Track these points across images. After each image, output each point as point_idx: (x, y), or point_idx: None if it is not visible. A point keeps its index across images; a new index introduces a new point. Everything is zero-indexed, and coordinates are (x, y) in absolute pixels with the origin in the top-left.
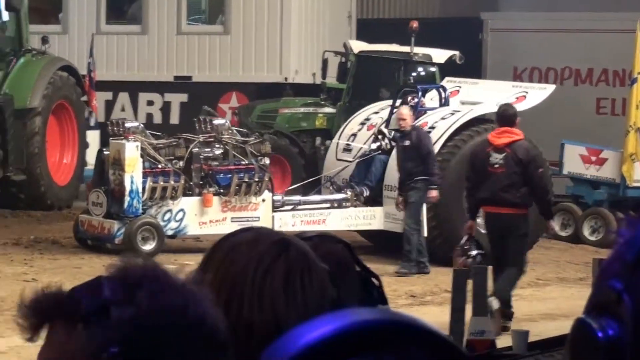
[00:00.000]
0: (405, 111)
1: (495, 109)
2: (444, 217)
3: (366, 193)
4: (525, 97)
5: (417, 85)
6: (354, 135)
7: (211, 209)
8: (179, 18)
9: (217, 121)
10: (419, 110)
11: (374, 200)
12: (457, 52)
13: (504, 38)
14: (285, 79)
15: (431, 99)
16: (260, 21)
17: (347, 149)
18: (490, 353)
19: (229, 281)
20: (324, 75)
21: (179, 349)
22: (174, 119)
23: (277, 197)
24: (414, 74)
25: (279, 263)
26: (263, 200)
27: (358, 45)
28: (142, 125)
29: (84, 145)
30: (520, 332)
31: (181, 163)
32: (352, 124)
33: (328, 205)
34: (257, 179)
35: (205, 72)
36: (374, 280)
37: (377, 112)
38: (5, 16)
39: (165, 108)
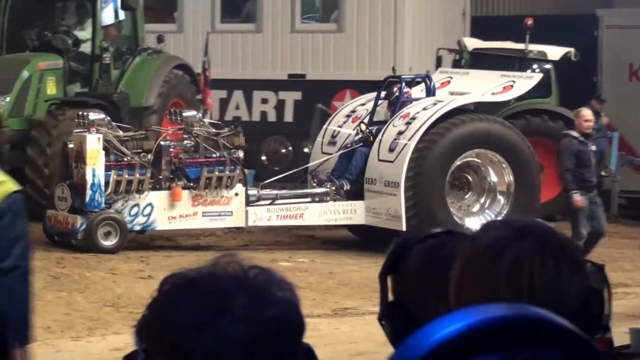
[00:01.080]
0: (587, 112)
1: (480, 99)
2: (427, 213)
3: (347, 187)
4: (512, 86)
5: (400, 76)
6: (340, 127)
7: (181, 203)
8: (293, 16)
9: (187, 113)
10: (402, 101)
11: (357, 194)
12: (572, 49)
13: (620, 35)
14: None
15: (421, 90)
16: (374, 19)
17: (332, 142)
18: (609, 352)
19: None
20: None
21: None
22: (288, 116)
23: (253, 192)
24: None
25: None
26: (236, 194)
27: (472, 43)
28: (107, 117)
29: None
30: (638, 329)
31: (150, 156)
32: (339, 117)
33: (307, 199)
34: (228, 173)
35: (319, 70)
36: None
37: (363, 104)
38: (122, 15)
39: (280, 106)
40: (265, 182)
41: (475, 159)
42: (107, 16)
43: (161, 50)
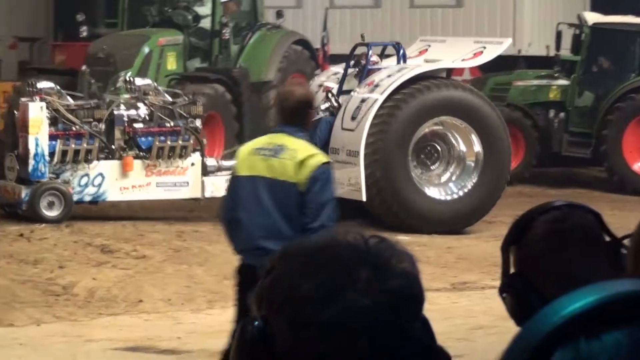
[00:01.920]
0: None
1: (446, 65)
2: (386, 181)
3: None
4: (482, 52)
5: (368, 43)
6: None
7: (133, 174)
8: None
9: (141, 81)
10: (369, 69)
11: None
12: None
13: None
14: (519, 51)
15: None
16: None
17: None
18: None
19: None
20: (557, 48)
21: None
22: None
23: (212, 162)
24: None
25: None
26: (192, 164)
27: (593, 17)
28: (57, 86)
29: None
30: None
31: (102, 125)
32: (312, 87)
33: None
34: (182, 142)
35: None
36: (622, 250)
37: (335, 73)
38: None
39: None
40: (226, 151)
41: (441, 127)
42: None
43: (280, 26)
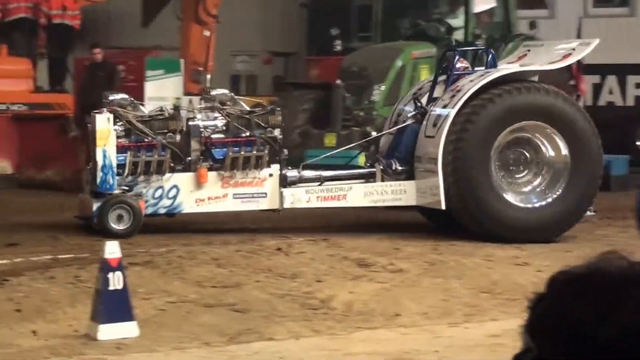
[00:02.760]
0: None
1: (529, 69)
2: (466, 189)
3: (395, 166)
4: (570, 54)
5: (456, 48)
6: (405, 106)
7: (209, 185)
8: None
9: (217, 91)
10: (455, 75)
11: (410, 173)
12: None
13: None
14: None
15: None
16: None
17: (396, 122)
18: None
19: None
20: None
21: None
22: (629, 100)
23: (293, 173)
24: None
25: None
26: (270, 175)
27: None
28: (129, 97)
29: None
30: None
31: (177, 136)
32: (408, 95)
33: (353, 180)
34: (256, 153)
35: None
36: None
37: (431, 80)
38: (494, 2)
39: None
40: (309, 162)
41: (525, 133)
42: (479, 3)
43: (534, 36)
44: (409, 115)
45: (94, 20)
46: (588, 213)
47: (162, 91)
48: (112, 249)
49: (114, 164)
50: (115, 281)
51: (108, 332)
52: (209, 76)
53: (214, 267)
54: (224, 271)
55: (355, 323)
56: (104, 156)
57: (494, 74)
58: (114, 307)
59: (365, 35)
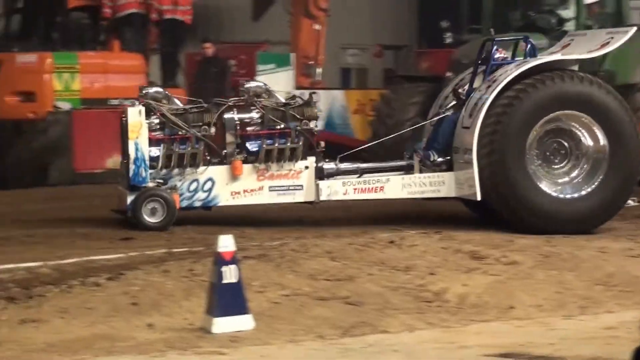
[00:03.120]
0: None
1: (559, 57)
2: (503, 177)
3: (433, 157)
4: (609, 42)
5: (494, 38)
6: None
7: (244, 178)
8: None
9: (251, 84)
10: (493, 65)
11: (447, 164)
12: None
13: None
14: None
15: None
16: None
17: (438, 113)
18: None
19: None
20: None
21: None
22: None
23: (330, 165)
24: None
25: None
26: (306, 167)
27: None
28: (165, 90)
29: None
30: None
31: (212, 129)
32: (449, 87)
33: (391, 172)
34: (290, 145)
35: None
36: None
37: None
38: None
39: None
40: (344, 154)
41: (564, 123)
42: None
43: None
44: (448, 106)
45: (205, 15)
46: (631, 203)
47: (273, 85)
48: (226, 243)
49: (147, 157)
50: (230, 274)
51: (223, 325)
52: (319, 70)
53: (327, 260)
54: (337, 264)
55: (469, 316)
56: (136, 149)
57: (529, 64)
58: (228, 300)
59: (475, 27)
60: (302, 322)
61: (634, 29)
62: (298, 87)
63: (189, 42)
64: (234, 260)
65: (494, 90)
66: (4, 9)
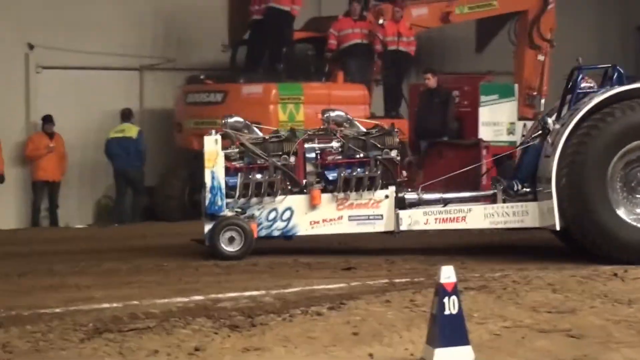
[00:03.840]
0: None
1: None
2: (580, 205)
3: (517, 187)
4: None
5: (579, 66)
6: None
7: (323, 207)
8: None
9: (333, 113)
10: (578, 93)
11: (532, 194)
12: None
13: None
14: None
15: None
16: None
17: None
18: None
19: None
20: None
21: None
22: None
23: (411, 195)
24: None
25: None
26: (386, 197)
27: None
28: (246, 120)
29: None
30: None
31: (292, 158)
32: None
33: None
34: (369, 174)
35: None
36: None
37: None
38: None
39: None
40: (426, 183)
41: None
42: None
43: None
44: (533, 135)
45: (429, 46)
46: None
47: (496, 116)
48: (447, 274)
49: (223, 186)
50: (451, 305)
51: (443, 356)
52: (543, 100)
53: (549, 292)
54: (559, 296)
55: None
56: (213, 178)
57: (607, 93)
58: (449, 331)
59: None
60: (523, 354)
61: None
62: (521, 118)
63: (413, 73)
64: (455, 292)
65: (573, 119)
66: (230, 40)
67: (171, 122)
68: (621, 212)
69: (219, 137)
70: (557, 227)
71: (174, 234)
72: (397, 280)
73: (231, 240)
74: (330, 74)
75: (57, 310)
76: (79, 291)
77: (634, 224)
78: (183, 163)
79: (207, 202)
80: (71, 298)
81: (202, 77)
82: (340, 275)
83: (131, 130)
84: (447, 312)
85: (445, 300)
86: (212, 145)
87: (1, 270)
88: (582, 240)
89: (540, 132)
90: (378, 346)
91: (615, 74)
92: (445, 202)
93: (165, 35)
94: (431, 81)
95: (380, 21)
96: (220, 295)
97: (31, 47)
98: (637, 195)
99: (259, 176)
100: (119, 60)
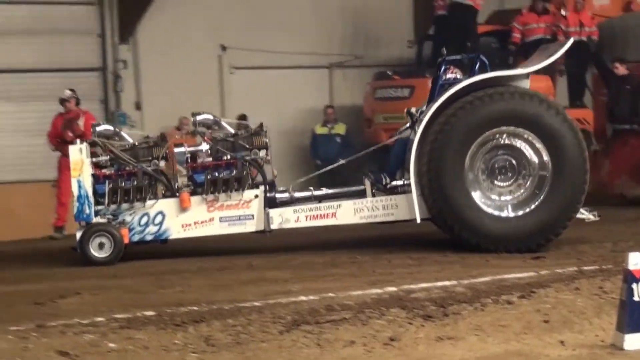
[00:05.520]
0: None
1: (505, 73)
2: (439, 195)
3: (385, 180)
4: (550, 57)
5: (443, 57)
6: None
7: (194, 210)
8: None
9: (200, 117)
10: (440, 85)
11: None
12: None
13: None
14: None
15: None
16: None
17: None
18: None
19: None
20: None
21: None
22: None
23: (282, 194)
24: None
25: None
26: (255, 196)
27: None
28: (115, 128)
29: None
30: None
31: (161, 163)
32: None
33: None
34: (235, 175)
35: None
36: None
37: None
38: None
39: None
40: (298, 180)
41: (503, 139)
42: None
43: None
44: (401, 128)
45: (610, 34)
46: (592, 218)
47: None
48: (635, 260)
49: (90, 194)
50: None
51: (634, 341)
52: None
53: None
54: None
55: None
56: (79, 186)
57: (462, 84)
58: (638, 316)
59: None
60: None
61: (570, 41)
62: None
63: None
64: None
65: (430, 110)
66: (415, 36)
67: (361, 118)
68: (480, 200)
69: (84, 146)
70: (418, 220)
71: (366, 226)
72: (586, 268)
73: (101, 246)
74: (514, 66)
75: (257, 303)
76: (276, 285)
77: (495, 212)
78: (373, 157)
79: (75, 210)
80: (270, 291)
81: (389, 72)
82: (529, 264)
83: (340, 128)
84: (636, 298)
85: (634, 286)
86: (76, 154)
87: (202, 265)
88: (445, 231)
89: (407, 125)
90: (569, 333)
91: (478, 64)
92: (315, 199)
93: (352, 33)
94: (620, 69)
95: (563, 12)
96: (413, 286)
97: (224, 48)
98: (497, 183)
99: (127, 183)
100: (309, 59)
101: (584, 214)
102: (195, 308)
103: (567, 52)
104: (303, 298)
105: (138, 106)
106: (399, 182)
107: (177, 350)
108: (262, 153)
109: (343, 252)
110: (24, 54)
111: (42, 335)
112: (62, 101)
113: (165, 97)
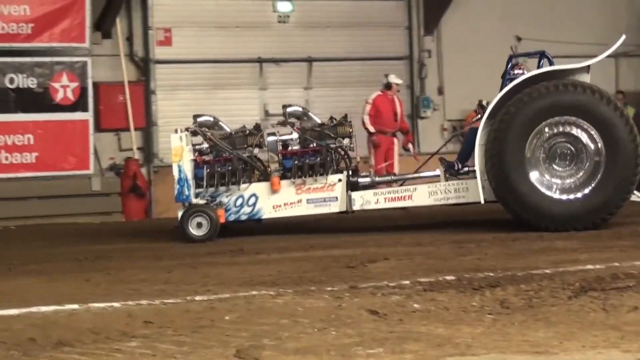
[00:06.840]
0: None
1: (560, 68)
2: (502, 181)
3: (457, 166)
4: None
5: (511, 54)
6: None
7: (283, 192)
8: None
9: (290, 108)
10: (508, 80)
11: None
12: None
13: None
14: None
15: None
16: None
17: None
18: None
19: None
20: None
21: None
22: None
23: (364, 178)
24: None
25: None
26: (339, 180)
27: None
28: (214, 118)
29: None
30: None
31: (256, 150)
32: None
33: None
34: (320, 160)
35: None
36: None
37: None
38: None
39: None
40: (381, 165)
41: (561, 127)
42: None
43: None
44: (474, 119)
45: None
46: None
47: None
48: None
49: (189, 177)
50: None
51: None
52: None
53: None
54: None
55: None
56: (180, 171)
57: (524, 76)
58: None
59: None
60: None
61: (621, 39)
62: None
63: None
64: None
65: (493, 101)
66: None
67: None
68: (539, 184)
69: (184, 134)
70: (482, 201)
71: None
72: None
73: (199, 225)
74: None
75: (547, 271)
76: (565, 254)
77: (552, 194)
78: None
79: (175, 192)
80: (559, 260)
81: None
82: None
83: (630, 111)
84: None
85: None
86: (177, 142)
87: (497, 235)
88: (508, 211)
89: (479, 116)
90: None
91: (542, 61)
92: (392, 183)
93: (638, 25)
94: None
95: None
96: None
97: (519, 39)
98: (556, 167)
99: (224, 167)
100: (595, 49)
101: (637, 195)
102: (491, 274)
103: None
104: (590, 267)
105: (440, 91)
106: (470, 168)
107: (474, 311)
108: (346, 141)
109: (627, 225)
110: (339, 44)
111: (354, 296)
112: (388, 85)
113: (464, 83)
